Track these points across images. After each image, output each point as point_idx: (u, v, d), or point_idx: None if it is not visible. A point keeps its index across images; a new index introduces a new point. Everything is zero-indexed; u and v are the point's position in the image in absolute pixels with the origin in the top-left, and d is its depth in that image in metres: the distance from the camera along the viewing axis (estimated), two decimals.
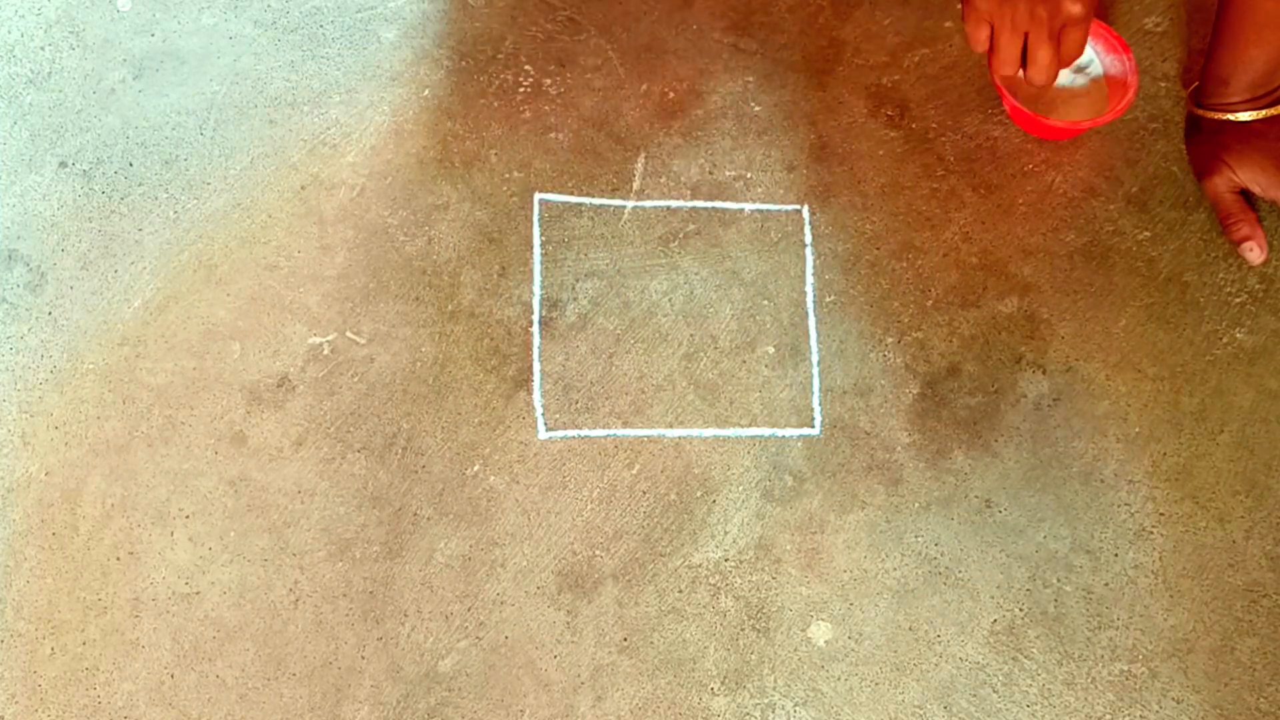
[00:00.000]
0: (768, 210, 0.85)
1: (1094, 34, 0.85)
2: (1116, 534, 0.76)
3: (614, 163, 0.87)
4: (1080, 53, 0.73)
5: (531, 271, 0.83)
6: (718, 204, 0.85)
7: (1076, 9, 0.70)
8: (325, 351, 0.81)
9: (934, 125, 0.87)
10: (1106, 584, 0.75)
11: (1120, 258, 0.83)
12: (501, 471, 0.78)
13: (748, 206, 0.85)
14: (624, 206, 0.85)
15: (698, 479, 0.78)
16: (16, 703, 0.73)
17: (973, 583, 0.75)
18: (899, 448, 0.79)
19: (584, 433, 0.79)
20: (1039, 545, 0.76)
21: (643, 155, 0.87)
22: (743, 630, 0.75)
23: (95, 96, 0.89)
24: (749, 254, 0.84)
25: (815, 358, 0.81)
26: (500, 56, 0.90)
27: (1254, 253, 0.82)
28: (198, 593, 0.75)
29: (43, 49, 0.91)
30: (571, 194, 0.86)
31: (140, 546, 0.76)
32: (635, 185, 0.86)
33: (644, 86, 0.89)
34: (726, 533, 0.77)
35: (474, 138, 0.87)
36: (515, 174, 0.86)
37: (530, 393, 0.80)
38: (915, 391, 0.80)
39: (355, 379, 0.80)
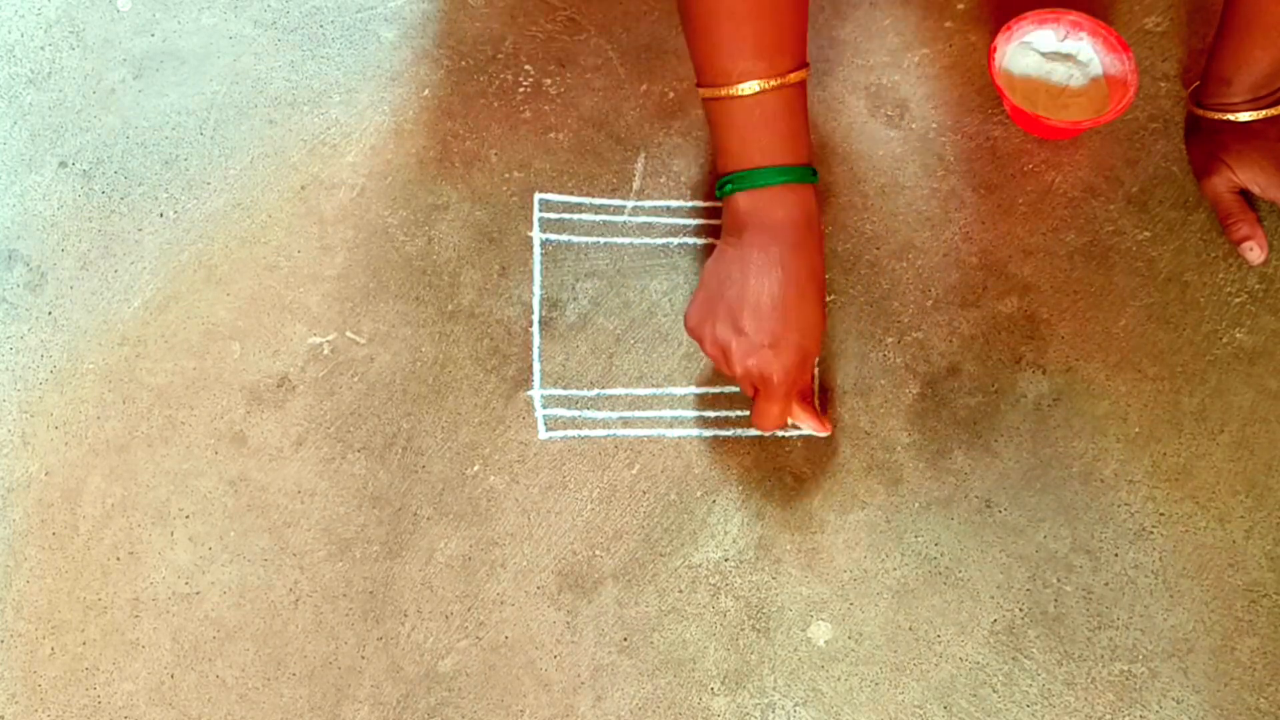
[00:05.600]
0: None
1: (1094, 34, 0.86)
2: (1116, 534, 0.76)
3: (614, 163, 0.87)
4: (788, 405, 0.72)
5: (531, 271, 0.83)
6: (718, 204, 0.85)
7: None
8: (325, 351, 0.81)
9: (934, 125, 0.87)
10: (1106, 584, 0.75)
11: (1120, 258, 0.83)
12: (501, 471, 0.78)
13: None
14: (624, 206, 0.85)
15: (698, 479, 0.78)
16: (16, 703, 0.73)
17: (973, 583, 0.75)
18: (899, 448, 0.79)
19: (584, 433, 0.79)
20: (1039, 545, 0.76)
21: (643, 155, 0.87)
22: (743, 630, 0.75)
23: (95, 96, 0.89)
24: None
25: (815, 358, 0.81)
26: (500, 56, 0.90)
27: (1254, 252, 0.82)
28: (198, 593, 0.75)
29: (43, 49, 0.91)
30: (571, 194, 0.86)
31: (140, 546, 0.76)
32: (635, 185, 0.86)
33: (644, 86, 0.89)
34: (726, 533, 0.77)
35: (474, 138, 0.87)
36: (515, 174, 0.86)
37: (530, 393, 0.80)
38: (915, 391, 0.80)
39: (355, 379, 0.80)
